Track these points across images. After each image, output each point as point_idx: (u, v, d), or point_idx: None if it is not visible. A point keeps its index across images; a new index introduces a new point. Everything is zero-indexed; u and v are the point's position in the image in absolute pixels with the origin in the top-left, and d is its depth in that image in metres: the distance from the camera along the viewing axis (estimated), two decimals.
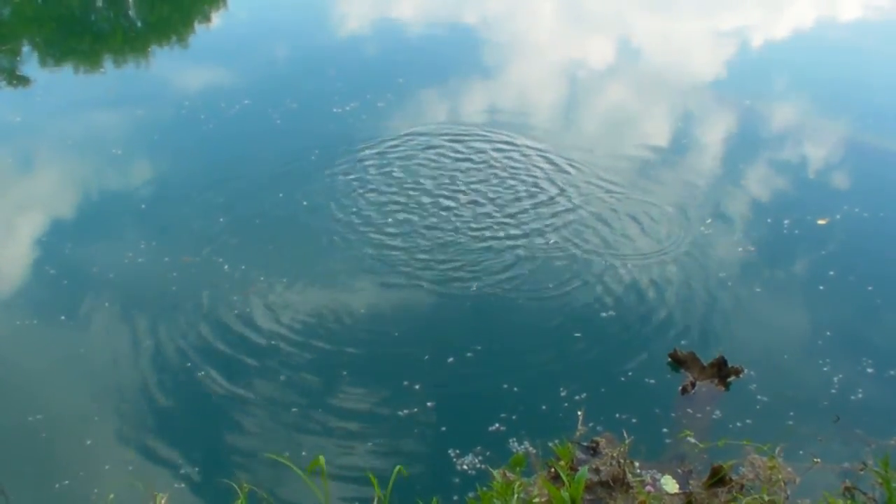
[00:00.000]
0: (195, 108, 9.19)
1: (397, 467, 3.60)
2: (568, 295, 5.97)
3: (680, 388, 5.03)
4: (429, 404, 5.05)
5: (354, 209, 7.00)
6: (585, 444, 4.57)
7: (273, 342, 5.61)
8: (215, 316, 5.86)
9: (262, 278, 6.17)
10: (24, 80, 10.61)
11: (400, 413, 5.00)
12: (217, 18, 13.05)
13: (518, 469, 3.92)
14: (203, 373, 5.38)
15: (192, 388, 5.29)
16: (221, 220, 6.95)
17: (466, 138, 8.20)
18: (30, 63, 11.43)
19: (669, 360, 5.24)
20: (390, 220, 6.84)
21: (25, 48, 12.09)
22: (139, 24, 13.63)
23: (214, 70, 10.46)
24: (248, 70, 10.28)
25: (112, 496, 4.25)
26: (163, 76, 10.70)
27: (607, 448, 4.49)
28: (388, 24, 12.41)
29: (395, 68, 10.11)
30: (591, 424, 4.73)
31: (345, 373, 5.35)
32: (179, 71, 10.76)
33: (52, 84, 10.48)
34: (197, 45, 11.93)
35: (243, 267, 6.33)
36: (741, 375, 5.09)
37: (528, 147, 7.95)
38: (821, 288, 6.01)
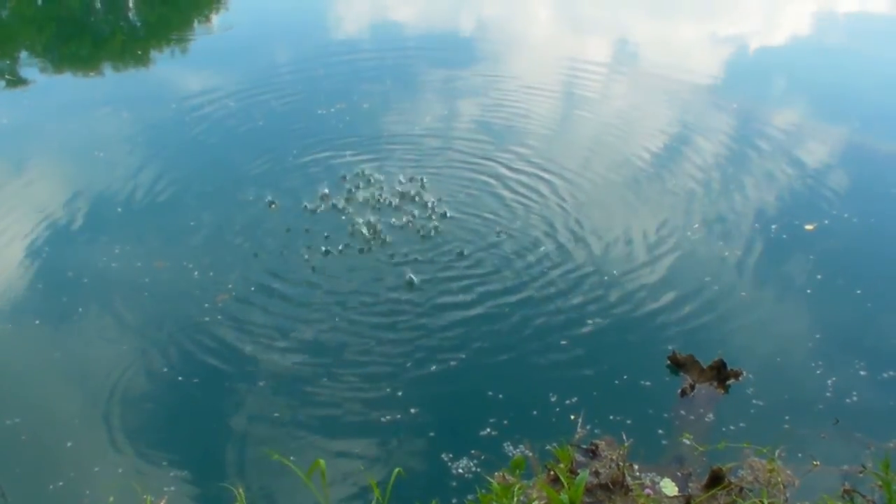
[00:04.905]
0: (181, 110, 9.12)
1: (396, 469, 3.54)
2: (566, 298, 5.93)
3: (679, 390, 4.99)
4: (413, 410, 4.99)
5: (330, 211, 6.94)
6: (585, 446, 4.52)
7: (250, 350, 5.52)
8: (190, 322, 5.77)
9: (230, 286, 6.10)
10: (14, 82, 10.48)
11: (384, 419, 4.94)
12: (213, 21, 13.02)
13: (517, 472, 3.86)
14: (182, 378, 5.31)
15: (170, 392, 5.22)
16: (192, 223, 6.89)
17: (455, 139, 8.19)
18: (23, 64, 11.35)
19: (669, 362, 5.21)
20: (370, 220, 6.75)
21: (19, 49, 12.03)
22: (127, 26, 13.54)
23: (204, 72, 10.39)
24: (239, 71, 10.27)
25: (112, 499, 4.13)
26: (153, 79, 10.68)
27: (607, 451, 4.45)
28: (381, 26, 12.43)
29: (385, 70, 10.09)
30: (589, 427, 4.71)
31: (325, 380, 5.27)
32: (169, 73, 10.74)
33: (43, 86, 10.42)
34: (190, 47, 11.86)
35: (212, 273, 6.26)
36: (740, 378, 5.07)
37: (518, 152, 7.93)
38: (809, 291, 6.01)
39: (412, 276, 6.11)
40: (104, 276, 6.28)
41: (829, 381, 5.08)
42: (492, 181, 7.46)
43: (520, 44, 11.72)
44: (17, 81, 10.54)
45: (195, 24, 13.11)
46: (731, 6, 13.79)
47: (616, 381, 5.15)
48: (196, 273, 6.27)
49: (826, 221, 6.80)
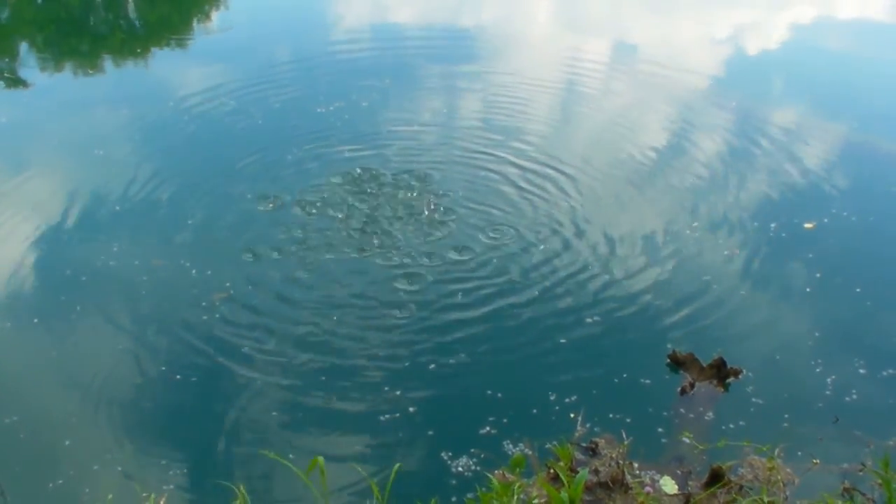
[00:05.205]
0: (180, 108, 9.10)
1: (396, 467, 3.54)
2: (566, 296, 5.93)
3: (679, 388, 4.99)
4: (412, 409, 4.98)
5: (328, 212, 6.91)
6: (584, 445, 4.52)
7: (247, 348, 5.50)
8: (188, 320, 5.77)
9: (227, 284, 6.08)
10: (14, 81, 10.48)
11: (382, 418, 4.93)
12: (213, 20, 13.03)
13: (517, 470, 3.86)
14: (179, 376, 5.30)
15: (168, 390, 5.21)
16: (189, 221, 6.88)
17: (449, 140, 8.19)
18: (22, 63, 11.36)
19: (668, 361, 5.20)
20: (365, 223, 6.73)
21: (18, 48, 12.04)
22: (127, 24, 13.54)
23: (203, 71, 10.34)
24: (238, 70, 10.20)
25: (111, 497, 4.12)
26: (152, 77, 10.65)
27: (606, 449, 4.45)
28: (381, 24, 12.44)
29: (384, 68, 10.09)
30: (589, 426, 4.70)
31: (323, 378, 5.25)
32: (168, 72, 10.71)
33: (42, 84, 10.38)
34: (189, 46, 11.87)
35: (209, 272, 6.24)
36: (740, 377, 5.07)
37: (516, 151, 7.92)
38: (808, 290, 6.01)
39: (411, 272, 6.11)
40: (102, 275, 6.26)
41: (829, 380, 5.08)
42: (491, 179, 7.44)
43: (518, 41, 11.71)
44: (16, 80, 10.53)
45: (195, 23, 13.10)
46: (730, 5, 13.77)
47: (616, 380, 5.14)
48: (193, 271, 6.26)
49: (826, 220, 6.79)
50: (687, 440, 4.56)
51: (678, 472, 4.41)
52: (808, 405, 4.91)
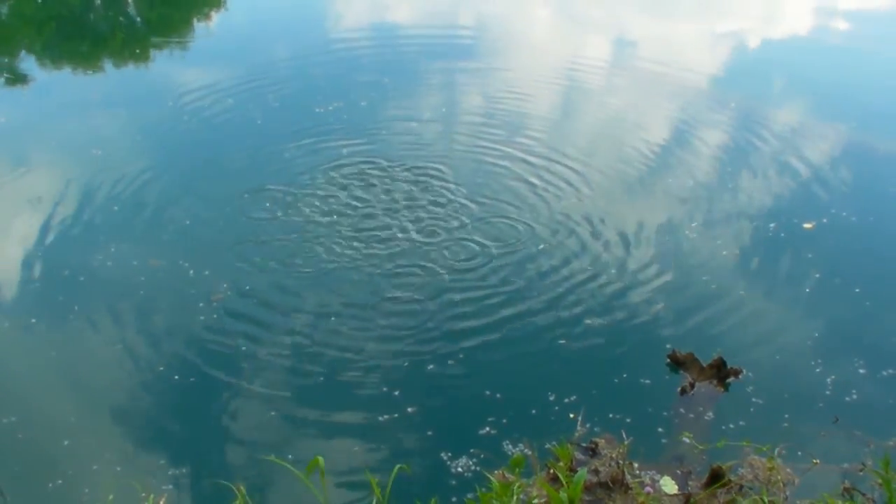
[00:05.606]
0: (179, 108, 9.09)
1: (396, 468, 3.53)
2: (565, 296, 5.92)
3: (679, 388, 4.98)
4: (410, 409, 4.97)
5: (327, 212, 6.91)
6: (584, 445, 4.52)
7: (246, 348, 5.49)
8: (186, 320, 5.77)
9: (225, 285, 6.08)
10: (13, 81, 10.49)
11: (381, 418, 4.92)
12: (213, 20, 13.04)
13: (517, 470, 3.85)
14: (178, 376, 5.29)
15: (167, 391, 5.21)
16: (187, 222, 6.88)
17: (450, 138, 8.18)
18: (22, 62, 11.39)
19: (668, 361, 5.20)
20: (364, 223, 6.74)
21: (18, 47, 12.07)
22: (127, 24, 13.55)
23: (203, 71, 10.32)
24: (238, 70, 10.19)
25: (111, 497, 4.11)
26: (152, 77, 10.64)
27: (606, 449, 4.44)
28: (378, 26, 12.43)
29: (383, 67, 10.10)
30: (589, 426, 4.70)
31: (322, 379, 5.24)
32: (168, 71, 10.70)
33: (42, 84, 10.41)
34: (190, 45, 11.88)
35: (207, 272, 6.23)
36: (740, 376, 5.07)
37: (517, 149, 7.91)
38: (808, 290, 6.01)
39: (410, 271, 6.11)
40: (100, 275, 6.26)
41: (829, 380, 5.08)
42: (488, 177, 7.45)
43: (518, 41, 11.71)
44: (15, 80, 10.53)
45: (195, 22, 13.10)
46: (729, 4, 13.78)
47: (615, 380, 5.14)
48: (191, 272, 6.25)
49: (825, 220, 6.79)
50: (687, 440, 4.56)
51: (678, 472, 4.40)
52: (808, 405, 4.91)
